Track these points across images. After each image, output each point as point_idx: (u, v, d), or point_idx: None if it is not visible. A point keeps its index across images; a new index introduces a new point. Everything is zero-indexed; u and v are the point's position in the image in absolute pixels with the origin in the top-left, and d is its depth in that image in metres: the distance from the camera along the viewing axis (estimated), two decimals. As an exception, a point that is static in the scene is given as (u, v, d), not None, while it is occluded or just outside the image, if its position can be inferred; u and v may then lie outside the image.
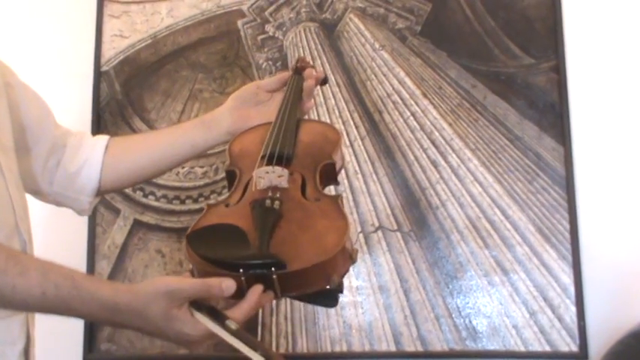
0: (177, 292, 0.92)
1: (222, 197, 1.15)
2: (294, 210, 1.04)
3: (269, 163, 1.12)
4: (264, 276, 0.92)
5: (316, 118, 1.83)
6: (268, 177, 1.08)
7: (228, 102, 1.32)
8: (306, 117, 1.33)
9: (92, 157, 1.28)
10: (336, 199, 1.08)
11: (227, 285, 0.91)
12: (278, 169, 1.09)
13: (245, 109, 1.30)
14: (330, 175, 1.19)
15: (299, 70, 1.34)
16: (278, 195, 1.05)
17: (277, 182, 1.08)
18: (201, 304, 0.92)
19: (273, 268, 0.91)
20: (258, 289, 0.92)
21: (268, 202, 1.02)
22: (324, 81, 1.37)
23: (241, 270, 0.91)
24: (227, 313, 0.92)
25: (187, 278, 0.95)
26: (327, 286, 0.97)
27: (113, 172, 1.30)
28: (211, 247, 0.95)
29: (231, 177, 1.18)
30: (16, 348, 1.06)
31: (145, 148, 1.32)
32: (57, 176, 1.26)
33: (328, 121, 1.86)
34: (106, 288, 0.95)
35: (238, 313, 0.92)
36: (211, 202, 1.18)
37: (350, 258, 1.02)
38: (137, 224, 1.92)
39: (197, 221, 1.06)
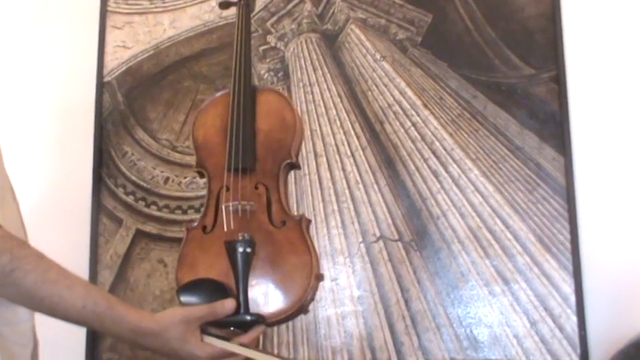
0: (190, 316, 1.08)
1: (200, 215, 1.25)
2: (265, 243, 1.18)
3: (237, 174, 1.21)
4: (248, 325, 1.12)
5: (309, 115, 1.87)
6: (235, 206, 1.20)
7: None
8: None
9: None
10: (300, 223, 1.20)
11: (229, 305, 1.10)
12: (244, 203, 1.20)
13: None
14: (292, 168, 1.28)
15: None
16: (248, 237, 1.15)
17: (243, 208, 1.20)
18: (211, 332, 1.09)
19: (255, 324, 1.12)
20: (259, 330, 1.14)
21: (241, 248, 1.14)
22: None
23: (231, 327, 1.11)
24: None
25: (197, 306, 1.10)
26: (303, 314, 1.19)
27: None
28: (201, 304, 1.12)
29: (202, 177, 1.28)
30: (27, 350, 1.18)
31: None
32: None
33: (330, 132, 1.87)
34: (134, 313, 1.08)
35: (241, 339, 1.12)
36: (190, 224, 1.26)
37: (317, 281, 1.18)
38: (139, 234, 1.93)
39: (181, 249, 1.22)
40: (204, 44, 1.98)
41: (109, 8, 2.03)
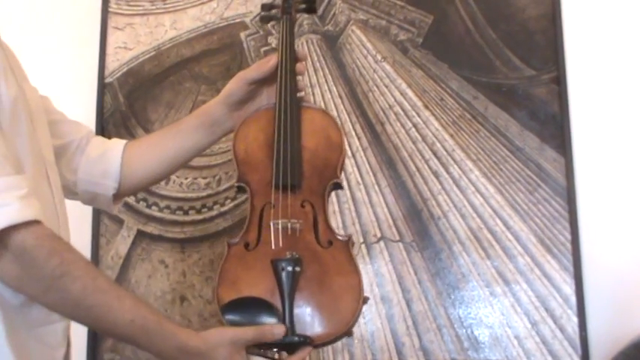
0: (238, 338, 1.07)
1: (240, 226, 1.23)
2: (312, 263, 1.15)
3: (283, 191, 1.19)
4: (294, 346, 1.10)
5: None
6: (285, 223, 1.17)
7: (223, 105, 1.34)
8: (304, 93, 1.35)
9: (113, 148, 1.38)
10: (347, 244, 1.18)
11: (278, 330, 1.09)
12: (293, 221, 1.18)
13: (243, 109, 1.33)
14: (335, 188, 1.26)
15: (287, 9, 1.36)
16: (297, 256, 1.14)
17: (292, 226, 1.17)
18: (256, 352, 1.10)
19: (301, 345, 1.10)
20: (306, 350, 1.11)
21: (290, 267, 1.12)
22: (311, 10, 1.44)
23: (274, 348, 1.11)
24: None
25: (244, 328, 1.09)
26: (347, 336, 1.16)
27: (129, 174, 1.37)
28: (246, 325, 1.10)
29: (242, 192, 1.25)
30: (60, 352, 1.15)
31: (156, 156, 1.39)
32: (81, 163, 1.35)
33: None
34: (182, 331, 1.06)
35: None
36: (230, 239, 1.22)
37: (364, 304, 1.15)
38: (140, 235, 1.93)
39: (221, 265, 1.18)
40: (205, 45, 1.99)
41: (111, 9, 2.03)
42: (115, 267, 1.92)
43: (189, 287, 1.88)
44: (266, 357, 1.10)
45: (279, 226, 1.17)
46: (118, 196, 1.39)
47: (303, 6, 1.40)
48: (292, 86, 1.27)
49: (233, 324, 1.10)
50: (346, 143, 1.28)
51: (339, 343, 1.77)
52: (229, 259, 1.18)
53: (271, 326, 1.09)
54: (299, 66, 1.32)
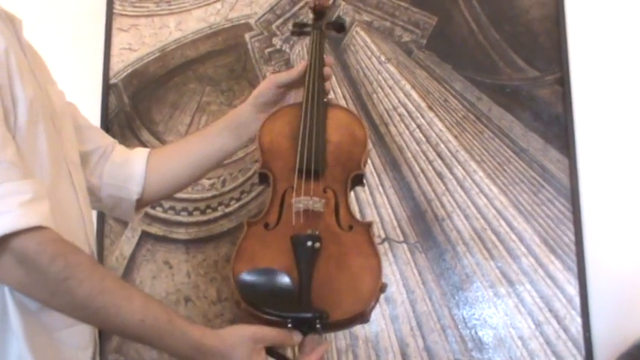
0: (259, 337, 1.05)
1: (260, 209, 1.27)
2: (332, 243, 1.15)
3: (306, 177, 1.21)
4: (309, 322, 1.08)
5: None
6: (305, 202, 1.19)
7: (251, 106, 1.38)
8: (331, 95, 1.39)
9: (138, 153, 1.40)
10: (368, 229, 1.19)
11: (297, 337, 1.08)
12: (315, 199, 1.19)
13: (269, 112, 1.36)
14: (358, 181, 1.28)
15: (318, 21, 1.42)
16: (317, 233, 1.14)
17: (313, 207, 1.19)
18: (274, 352, 1.08)
19: (317, 321, 1.07)
20: (323, 348, 1.11)
21: (309, 243, 1.12)
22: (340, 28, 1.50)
23: (289, 321, 1.08)
24: None
25: (265, 327, 1.08)
26: (363, 323, 1.15)
27: (154, 180, 1.39)
28: (261, 297, 1.09)
29: (264, 179, 1.27)
30: (87, 352, 1.15)
31: (180, 161, 1.41)
32: (105, 168, 1.36)
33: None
34: (196, 329, 1.04)
35: None
36: (251, 218, 1.24)
37: (381, 291, 1.15)
38: (145, 235, 1.94)
39: (239, 243, 1.18)
40: (210, 46, 1.99)
41: (115, 11, 2.03)
42: (119, 268, 1.93)
43: (193, 288, 1.88)
44: (284, 357, 1.09)
45: (301, 205, 1.18)
46: (141, 202, 1.40)
47: (333, 27, 1.49)
48: (320, 87, 1.31)
49: (247, 290, 1.09)
50: (368, 140, 1.31)
51: (342, 344, 1.78)
52: (248, 237, 1.19)
53: (292, 333, 1.08)
54: (326, 69, 1.36)
